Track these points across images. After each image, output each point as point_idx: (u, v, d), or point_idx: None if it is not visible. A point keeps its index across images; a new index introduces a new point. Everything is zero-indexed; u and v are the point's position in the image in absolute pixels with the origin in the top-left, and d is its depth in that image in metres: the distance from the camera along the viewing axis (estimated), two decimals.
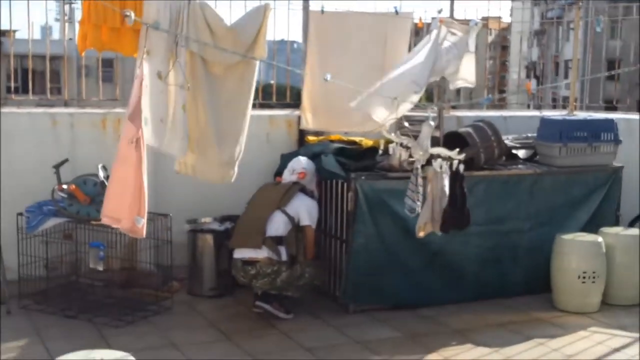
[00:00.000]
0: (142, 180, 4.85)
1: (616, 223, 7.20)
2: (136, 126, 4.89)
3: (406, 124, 6.91)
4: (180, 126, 5.93)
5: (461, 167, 5.58)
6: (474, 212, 6.39)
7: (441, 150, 5.62)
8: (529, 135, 7.66)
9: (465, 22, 6.81)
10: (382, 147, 6.64)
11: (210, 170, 6.20)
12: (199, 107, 6.05)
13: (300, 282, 6.05)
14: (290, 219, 6.05)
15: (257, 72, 6.31)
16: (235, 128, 6.25)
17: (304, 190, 6.29)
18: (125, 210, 4.91)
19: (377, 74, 6.87)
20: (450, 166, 5.53)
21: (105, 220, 5.04)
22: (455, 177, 5.54)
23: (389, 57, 6.99)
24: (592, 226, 6.94)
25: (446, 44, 6.36)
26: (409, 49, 7.18)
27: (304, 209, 6.14)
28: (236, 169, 6.28)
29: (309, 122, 7.10)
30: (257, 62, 6.18)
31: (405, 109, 6.07)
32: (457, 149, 5.65)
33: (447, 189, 5.53)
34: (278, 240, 6.00)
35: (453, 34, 6.42)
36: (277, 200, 6.11)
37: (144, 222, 4.89)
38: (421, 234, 5.62)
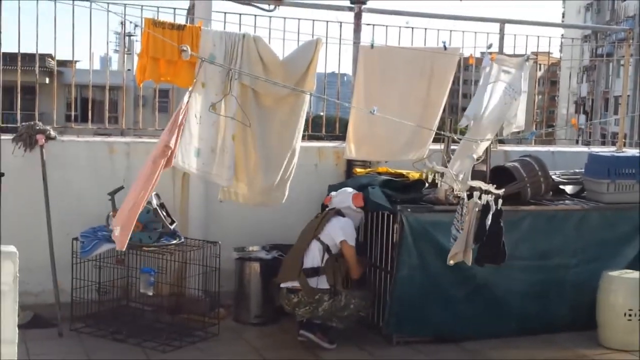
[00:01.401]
0: (140, 196, 4.97)
1: None
2: (162, 148, 5.06)
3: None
4: (228, 155, 6.09)
5: (499, 202, 5.59)
6: (519, 246, 6.43)
7: (480, 184, 5.66)
8: (577, 170, 7.65)
9: (516, 56, 6.87)
10: (429, 178, 6.71)
11: (254, 196, 6.34)
12: (249, 138, 6.19)
13: (344, 313, 6.10)
14: (324, 245, 6.14)
15: (306, 104, 6.45)
16: (280, 155, 6.39)
17: (340, 214, 6.36)
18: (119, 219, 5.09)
19: (420, 107, 6.99)
20: (493, 200, 5.56)
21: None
22: (485, 211, 5.57)
23: (433, 90, 7.07)
24: (639, 263, 6.88)
25: (501, 84, 6.41)
26: (456, 83, 7.29)
27: (337, 228, 6.19)
28: (286, 192, 6.38)
29: (352, 152, 7.15)
30: (307, 95, 6.32)
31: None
32: (492, 184, 5.67)
33: (484, 223, 5.54)
34: (314, 271, 6.08)
35: (506, 72, 6.47)
36: (314, 230, 6.22)
37: (117, 232, 5.01)
38: (451, 262, 5.63)
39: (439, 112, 7.07)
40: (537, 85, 10.01)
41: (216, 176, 6.20)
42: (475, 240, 5.53)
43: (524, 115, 6.74)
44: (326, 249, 6.14)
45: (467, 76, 8.89)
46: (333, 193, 6.48)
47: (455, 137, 6.70)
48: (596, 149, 8.75)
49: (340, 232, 6.19)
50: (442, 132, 6.53)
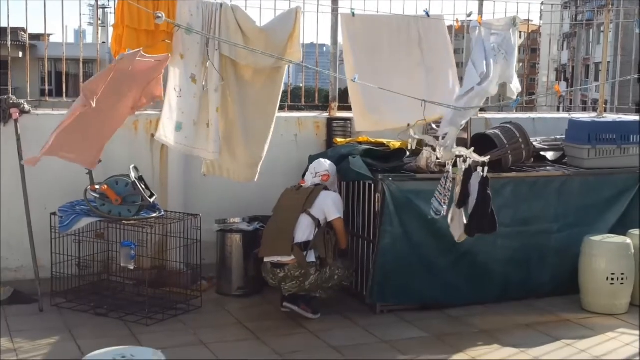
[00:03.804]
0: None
1: None
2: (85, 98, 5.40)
3: (434, 125, 6.94)
4: (214, 128, 6.03)
5: (485, 169, 5.57)
6: (502, 213, 6.42)
7: (465, 152, 5.64)
8: (558, 137, 7.66)
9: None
10: (410, 147, 6.65)
11: (238, 170, 6.33)
12: (229, 108, 6.14)
13: (329, 284, 6.10)
14: (315, 220, 6.09)
15: (285, 75, 6.39)
16: (263, 129, 6.34)
17: (326, 189, 6.32)
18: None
19: (422, 73, 6.87)
20: (473, 168, 5.54)
21: None
22: (467, 178, 5.55)
23: (428, 56, 6.95)
24: (620, 228, 6.90)
25: (491, 45, 6.28)
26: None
27: (330, 203, 6.15)
28: (258, 169, 6.40)
29: (361, 124, 6.94)
30: (286, 66, 6.24)
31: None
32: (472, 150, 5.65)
33: (467, 187, 5.54)
34: (306, 245, 6.05)
35: (495, 34, 6.35)
36: (302, 204, 6.14)
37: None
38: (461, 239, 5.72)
39: (446, 77, 6.94)
40: (517, 53, 9.95)
41: (201, 150, 6.13)
42: (459, 205, 5.51)
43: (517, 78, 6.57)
44: (317, 223, 6.10)
45: (457, 45, 8.79)
46: (328, 169, 6.37)
47: (441, 104, 6.60)
48: (577, 115, 8.74)
49: (333, 208, 6.15)
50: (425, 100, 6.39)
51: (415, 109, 6.62)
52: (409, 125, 6.41)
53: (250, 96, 6.28)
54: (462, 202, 5.56)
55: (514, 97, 6.35)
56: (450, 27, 7.30)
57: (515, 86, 6.44)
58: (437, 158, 6.06)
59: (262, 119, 6.36)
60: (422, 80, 6.79)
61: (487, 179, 5.57)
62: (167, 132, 5.97)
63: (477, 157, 5.62)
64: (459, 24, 7.09)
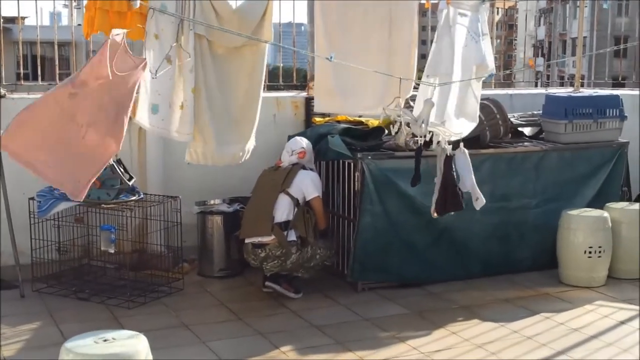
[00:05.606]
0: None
1: (622, 198, 7.24)
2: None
3: (411, 102, 6.94)
4: (189, 110, 5.96)
5: (448, 147, 5.67)
6: (480, 189, 6.45)
7: (440, 129, 5.68)
8: (535, 112, 7.70)
9: None
10: (382, 122, 6.63)
11: (221, 155, 6.11)
12: (209, 90, 5.99)
13: (310, 264, 6.12)
14: (294, 200, 6.10)
15: (266, 55, 6.26)
16: (247, 111, 6.20)
17: (304, 169, 6.33)
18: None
19: (384, 57, 6.84)
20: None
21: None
22: (446, 157, 5.63)
23: (394, 39, 6.92)
24: (597, 202, 6.99)
25: (460, 28, 6.29)
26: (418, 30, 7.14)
27: (308, 182, 6.16)
28: (247, 149, 6.22)
29: (322, 105, 6.87)
30: (266, 46, 6.15)
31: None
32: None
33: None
34: (286, 225, 6.06)
35: (462, 14, 6.35)
36: (280, 184, 6.15)
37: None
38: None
39: (407, 61, 6.83)
40: (495, 29, 9.98)
41: (178, 134, 6.02)
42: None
43: (492, 58, 6.62)
44: (296, 203, 6.11)
45: (424, 22, 8.79)
46: (304, 147, 6.37)
47: (415, 81, 6.63)
48: (554, 91, 8.78)
49: (312, 188, 6.16)
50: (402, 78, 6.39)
51: (379, 95, 6.64)
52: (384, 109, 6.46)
53: (228, 76, 6.16)
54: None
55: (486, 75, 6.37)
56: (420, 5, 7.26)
57: (490, 67, 6.41)
58: (414, 135, 6.07)
59: (243, 98, 6.23)
60: (381, 66, 6.70)
61: (450, 158, 5.64)
62: (142, 115, 5.91)
63: (453, 134, 5.67)
64: (429, 3, 7.05)
